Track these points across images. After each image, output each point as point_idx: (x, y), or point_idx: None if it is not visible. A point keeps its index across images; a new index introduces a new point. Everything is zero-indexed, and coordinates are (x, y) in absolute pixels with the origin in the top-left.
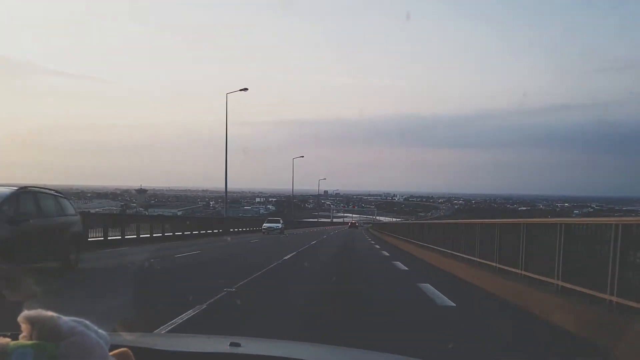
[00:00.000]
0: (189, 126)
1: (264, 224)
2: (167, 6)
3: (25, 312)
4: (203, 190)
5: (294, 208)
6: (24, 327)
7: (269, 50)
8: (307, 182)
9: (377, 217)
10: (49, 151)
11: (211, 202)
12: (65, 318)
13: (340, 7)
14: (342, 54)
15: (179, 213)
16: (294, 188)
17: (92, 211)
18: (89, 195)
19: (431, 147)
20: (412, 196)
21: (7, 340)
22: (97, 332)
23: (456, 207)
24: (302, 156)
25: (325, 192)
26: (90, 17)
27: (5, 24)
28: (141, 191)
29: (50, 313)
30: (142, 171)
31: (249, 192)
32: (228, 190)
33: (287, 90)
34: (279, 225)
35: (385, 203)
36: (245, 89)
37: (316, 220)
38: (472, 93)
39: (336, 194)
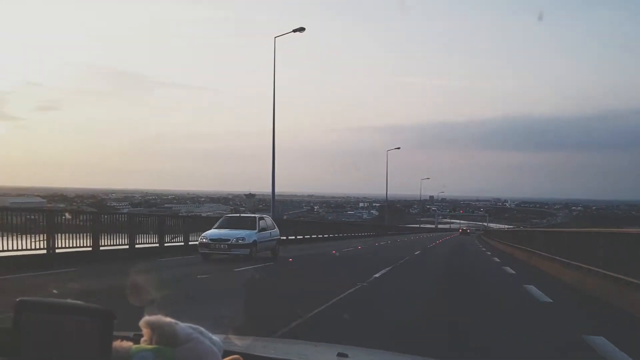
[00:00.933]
0: (293, 133)
1: (206, 232)
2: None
3: (146, 317)
4: (309, 195)
5: (393, 213)
6: (145, 331)
7: (371, 53)
8: (412, 186)
9: (487, 224)
10: (167, 158)
11: (315, 207)
12: (182, 324)
13: (444, 9)
14: (446, 56)
15: (285, 217)
16: (388, 191)
17: (204, 215)
18: (202, 199)
19: (544, 150)
20: (524, 202)
21: (130, 344)
22: (212, 339)
23: (574, 213)
24: (399, 147)
25: (431, 197)
26: (200, 30)
27: (127, 42)
28: (250, 196)
29: (168, 319)
30: (252, 177)
31: (354, 197)
32: (334, 194)
33: (389, 95)
34: (249, 237)
35: (495, 209)
36: (302, 29)
37: (418, 226)
38: (589, 93)
39: (442, 199)
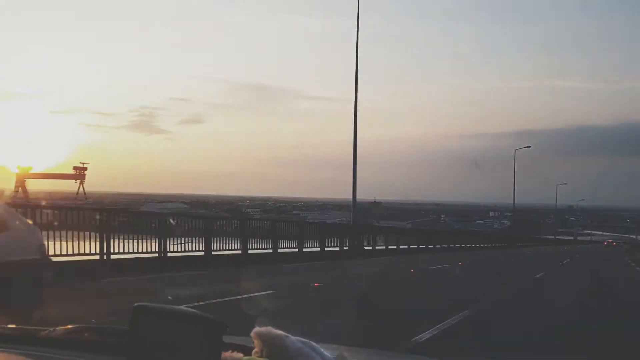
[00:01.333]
0: (420, 141)
1: None
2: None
3: (257, 329)
4: (435, 204)
5: (526, 223)
6: (256, 342)
7: (491, 58)
8: (546, 195)
9: (638, 237)
10: (298, 167)
11: (442, 215)
12: (292, 338)
13: (576, 6)
14: (583, 55)
15: (408, 226)
16: (522, 200)
17: (329, 222)
18: (329, 207)
19: None
20: None
21: (240, 355)
22: (323, 355)
23: None
24: (528, 146)
25: (570, 206)
26: (330, 41)
27: (261, 56)
28: (375, 204)
29: (278, 332)
30: (378, 185)
31: (483, 205)
32: (459, 202)
33: (521, 99)
34: None
35: None
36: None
37: (553, 237)
38: None
39: (581, 208)
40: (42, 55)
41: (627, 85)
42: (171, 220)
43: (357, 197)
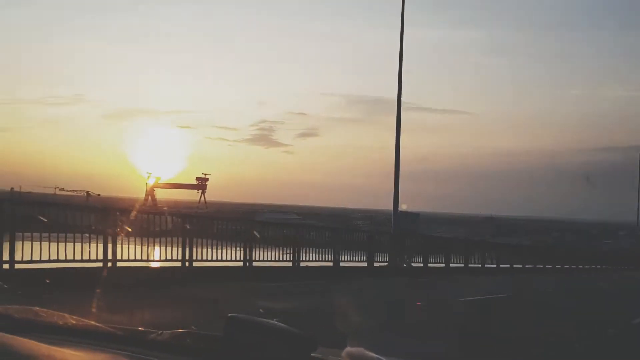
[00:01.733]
0: (547, 154)
1: None
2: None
3: (349, 349)
4: (559, 221)
5: None
6: None
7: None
8: None
9: None
10: (406, 180)
11: (567, 233)
12: None
13: None
14: None
15: (527, 243)
16: None
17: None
18: (439, 220)
19: None
20: None
21: None
22: None
23: None
24: None
25: None
26: (449, 54)
27: (376, 69)
28: (490, 219)
29: (371, 354)
30: (494, 200)
31: (613, 223)
32: (602, 220)
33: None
34: None
35: None
36: None
37: None
38: None
39: None
40: (173, 75)
41: None
42: (255, 233)
43: (469, 211)
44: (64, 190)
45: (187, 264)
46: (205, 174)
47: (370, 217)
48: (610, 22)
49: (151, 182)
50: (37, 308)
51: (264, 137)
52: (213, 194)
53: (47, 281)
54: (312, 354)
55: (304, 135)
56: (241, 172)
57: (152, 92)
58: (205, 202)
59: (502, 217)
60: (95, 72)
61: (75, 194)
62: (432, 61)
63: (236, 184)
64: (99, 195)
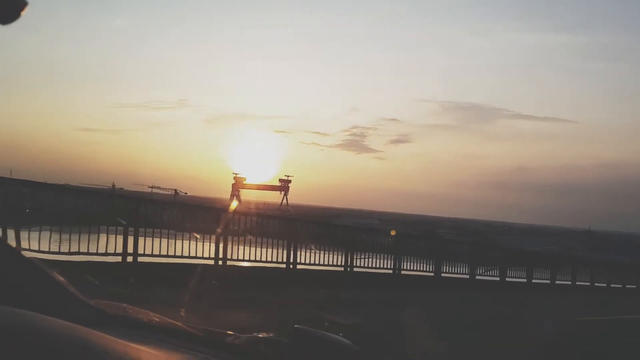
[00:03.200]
0: None
1: None
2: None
3: None
4: None
5: None
6: None
7: None
8: None
9: None
10: (508, 189)
11: None
12: None
13: None
14: None
15: (627, 260)
16: None
17: (530, 249)
18: (534, 233)
19: None
20: None
21: None
22: None
23: None
24: None
25: None
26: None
27: (474, 75)
28: (589, 233)
29: None
30: (599, 214)
31: None
32: None
33: None
34: None
35: None
36: None
37: None
38: None
39: None
40: (272, 82)
41: None
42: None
43: (560, 223)
44: (155, 187)
45: (291, 266)
46: (288, 176)
47: (459, 227)
48: None
49: (237, 183)
50: (125, 304)
51: (356, 142)
52: (301, 197)
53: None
54: None
55: (396, 141)
56: (331, 177)
57: (252, 97)
58: (288, 204)
59: (601, 232)
60: (198, 78)
61: (165, 191)
62: (534, 67)
63: (324, 187)
64: (185, 194)
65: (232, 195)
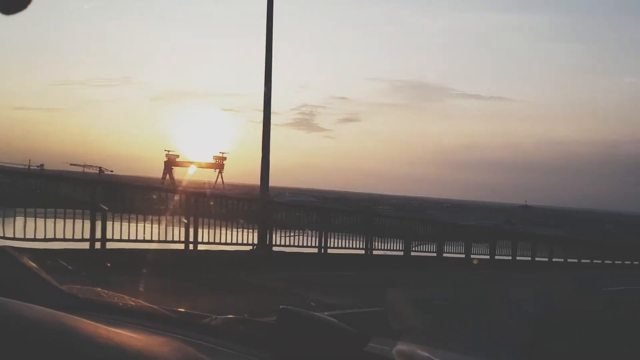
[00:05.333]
0: (595, 144)
1: None
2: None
3: (399, 347)
4: (606, 213)
5: None
6: None
7: None
8: None
9: None
10: (454, 167)
11: (607, 225)
12: None
13: None
14: None
15: (560, 234)
16: None
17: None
18: (479, 209)
19: None
20: None
21: None
22: None
23: None
24: None
25: None
26: (491, 38)
27: (422, 55)
28: (525, 208)
29: (423, 353)
30: (538, 189)
31: None
32: (631, 212)
33: None
34: None
35: None
36: None
37: None
38: None
39: None
40: (219, 59)
41: None
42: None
43: (501, 199)
44: (80, 165)
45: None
46: (222, 153)
47: (401, 205)
48: None
49: (169, 160)
50: (99, 289)
51: (306, 121)
52: (249, 177)
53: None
54: (361, 350)
55: (346, 120)
56: (281, 156)
57: (199, 75)
58: (223, 182)
59: (542, 207)
60: (142, 55)
61: (86, 169)
62: (481, 47)
63: (273, 167)
64: (111, 171)
65: (165, 174)
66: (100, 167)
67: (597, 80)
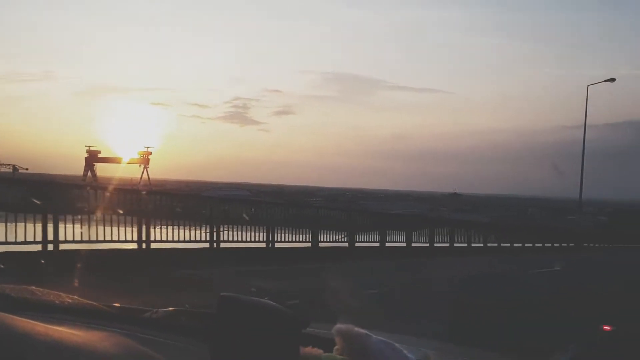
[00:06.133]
0: (520, 133)
1: None
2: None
3: (338, 326)
4: (526, 198)
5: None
6: (337, 340)
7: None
8: None
9: None
10: (387, 158)
11: (530, 209)
12: (374, 338)
13: None
14: None
15: (485, 219)
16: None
17: (392, 212)
18: (410, 198)
19: None
20: None
21: (320, 351)
22: (405, 357)
23: None
24: None
25: None
26: (424, 31)
27: (354, 47)
28: (454, 195)
29: (360, 330)
30: (466, 178)
31: (590, 201)
32: (554, 197)
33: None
34: None
35: None
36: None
37: None
38: None
39: None
40: (147, 52)
41: None
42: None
43: (432, 189)
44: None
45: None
46: (147, 148)
47: (337, 196)
48: (586, 2)
49: (90, 156)
50: (34, 287)
51: (239, 114)
52: (180, 172)
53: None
54: (303, 331)
55: (280, 113)
56: (215, 150)
57: (127, 69)
58: (149, 178)
59: (470, 194)
60: (67, 48)
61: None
62: (412, 40)
63: (208, 161)
64: (27, 169)
65: (86, 171)
66: (14, 165)
67: (518, 72)
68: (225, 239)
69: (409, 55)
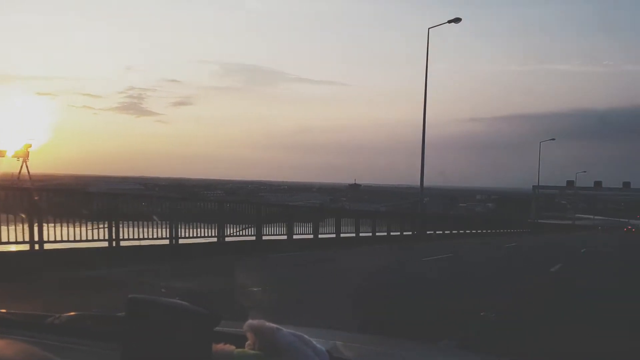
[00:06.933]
0: (415, 125)
1: None
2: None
3: (249, 321)
4: (425, 187)
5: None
6: (248, 335)
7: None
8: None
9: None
10: (289, 150)
11: (426, 199)
12: (285, 331)
13: None
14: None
15: (383, 209)
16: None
17: (291, 204)
18: (314, 190)
19: None
20: None
21: (233, 347)
22: (315, 348)
23: None
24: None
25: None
26: (328, 24)
27: (255, 38)
28: (354, 186)
29: (271, 325)
30: (366, 169)
31: (479, 189)
32: (453, 187)
33: (520, 82)
34: None
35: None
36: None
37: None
38: None
39: (574, 192)
40: (32, 38)
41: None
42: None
43: (333, 180)
44: None
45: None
46: (28, 140)
47: (239, 189)
48: None
49: None
50: None
51: (134, 105)
52: (67, 166)
53: None
54: (213, 330)
55: (178, 104)
56: (108, 142)
57: (8, 55)
58: (29, 173)
59: (370, 185)
60: None
61: None
62: (312, 32)
63: (100, 154)
64: None
65: None
66: None
67: (418, 65)
68: (125, 236)
69: (309, 47)
